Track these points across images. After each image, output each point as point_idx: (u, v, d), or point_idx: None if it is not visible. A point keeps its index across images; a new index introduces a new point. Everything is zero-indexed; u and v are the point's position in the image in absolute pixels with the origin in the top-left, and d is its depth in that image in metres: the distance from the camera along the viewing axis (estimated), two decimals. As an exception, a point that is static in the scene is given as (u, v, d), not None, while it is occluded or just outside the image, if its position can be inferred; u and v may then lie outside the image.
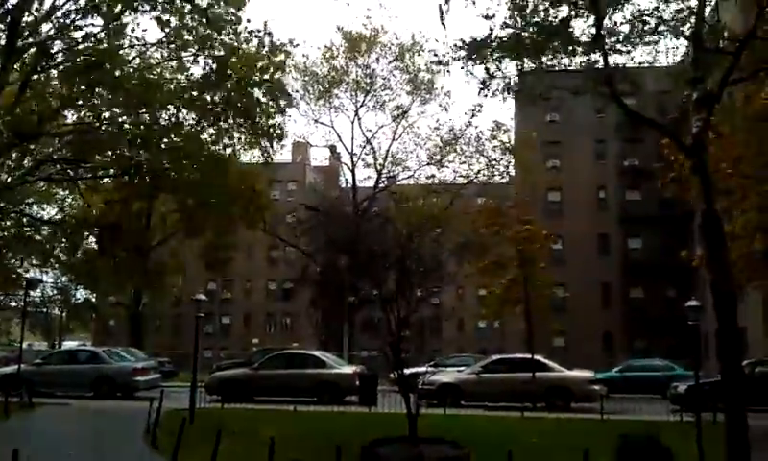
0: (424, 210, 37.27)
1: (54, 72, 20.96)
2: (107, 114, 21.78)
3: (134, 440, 15.14)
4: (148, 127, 21.40)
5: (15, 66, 19.61)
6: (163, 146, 22.22)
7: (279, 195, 59.38)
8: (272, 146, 24.13)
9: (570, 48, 13.44)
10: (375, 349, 44.70)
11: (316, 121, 44.61)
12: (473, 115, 38.83)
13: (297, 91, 37.90)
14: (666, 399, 24.41)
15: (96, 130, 21.58)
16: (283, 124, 23.72)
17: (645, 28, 13.24)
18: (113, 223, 27.88)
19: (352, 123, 44.76)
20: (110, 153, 23.07)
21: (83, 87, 20.19)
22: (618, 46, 13.31)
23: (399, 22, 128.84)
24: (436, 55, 14.71)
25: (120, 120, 21.60)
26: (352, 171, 44.27)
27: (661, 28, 13.25)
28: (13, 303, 50.08)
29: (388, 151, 43.85)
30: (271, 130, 22.76)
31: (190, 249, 39.29)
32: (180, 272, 40.09)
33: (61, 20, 19.39)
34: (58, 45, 20.04)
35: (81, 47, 19.64)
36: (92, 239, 33.81)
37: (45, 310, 55.78)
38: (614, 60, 13.50)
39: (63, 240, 32.74)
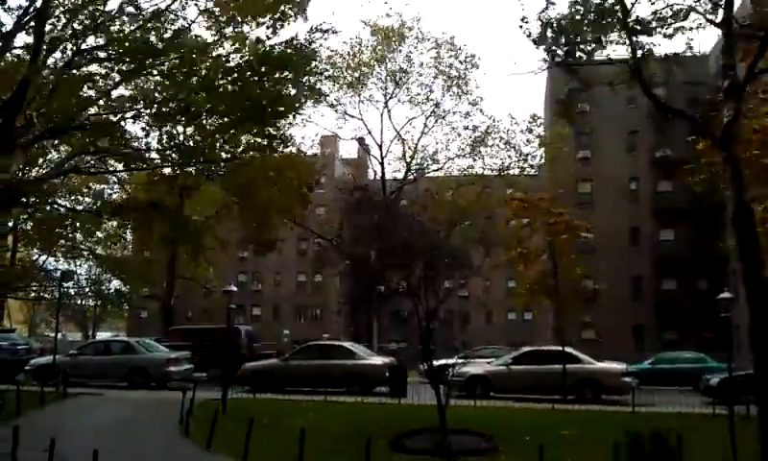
0: (454, 202, 37.00)
1: (89, 67, 20.84)
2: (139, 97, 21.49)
3: (168, 429, 15.41)
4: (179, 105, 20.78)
5: (47, 61, 19.59)
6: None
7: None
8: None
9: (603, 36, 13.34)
10: (405, 340, 44.89)
11: (345, 113, 44.17)
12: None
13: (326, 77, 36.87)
14: (698, 391, 24.22)
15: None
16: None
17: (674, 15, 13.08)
18: (152, 201, 27.75)
19: (381, 115, 44.52)
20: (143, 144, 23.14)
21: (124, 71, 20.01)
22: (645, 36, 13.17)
23: (429, 20, 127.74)
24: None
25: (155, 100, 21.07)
26: (381, 163, 44.09)
27: (692, 15, 13.08)
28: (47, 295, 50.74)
29: (417, 143, 43.61)
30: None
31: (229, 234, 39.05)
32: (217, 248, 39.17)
33: (96, 16, 19.27)
34: (92, 40, 19.95)
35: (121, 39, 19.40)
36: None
37: (79, 302, 56.53)
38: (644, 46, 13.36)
39: (105, 225, 32.67)
